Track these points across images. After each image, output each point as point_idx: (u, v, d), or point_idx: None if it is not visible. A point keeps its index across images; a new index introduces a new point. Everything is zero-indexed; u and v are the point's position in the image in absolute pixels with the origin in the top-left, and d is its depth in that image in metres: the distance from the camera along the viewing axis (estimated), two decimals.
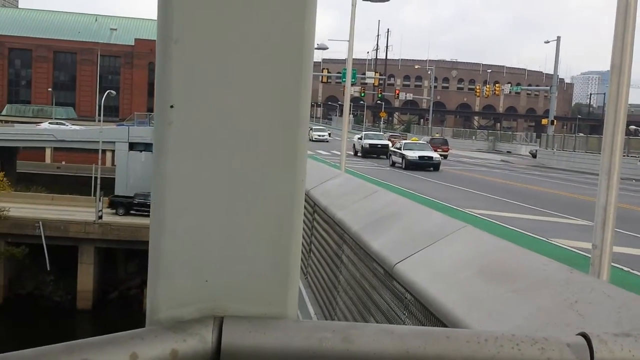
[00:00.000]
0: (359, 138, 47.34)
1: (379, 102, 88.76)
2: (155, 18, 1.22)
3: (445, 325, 3.34)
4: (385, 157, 40.18)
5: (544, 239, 13.59)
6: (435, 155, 34.97)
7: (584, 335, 1.15)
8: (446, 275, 3.65)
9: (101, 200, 41.02)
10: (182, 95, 1.17)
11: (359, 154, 44.41)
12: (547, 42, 54.42)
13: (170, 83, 1.17)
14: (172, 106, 1.17)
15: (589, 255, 9.28)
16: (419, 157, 33.61)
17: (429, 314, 3.73)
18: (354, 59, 21.65)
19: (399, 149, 36.38)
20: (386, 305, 5.01)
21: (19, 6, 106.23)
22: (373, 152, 43.85)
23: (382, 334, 1.18)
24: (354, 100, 77.99)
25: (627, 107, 6.92)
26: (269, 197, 1.21)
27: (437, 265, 3.96)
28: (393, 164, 35.89)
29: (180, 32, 1.16)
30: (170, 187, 1.18)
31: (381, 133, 61.45)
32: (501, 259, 3.48)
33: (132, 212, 43.00)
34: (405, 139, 51.19)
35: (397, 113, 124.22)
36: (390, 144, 43.75)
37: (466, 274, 3.44)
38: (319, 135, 63.02)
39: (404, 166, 33.63)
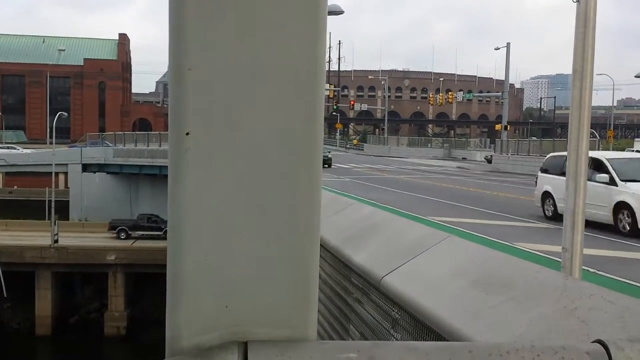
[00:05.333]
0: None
1: (334, 113, 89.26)
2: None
3: (442, 337, 3.36)
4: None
5: (508, 243, 13.76)
6: None
7: (601, 342, 1.17)
8: (438, 287, 3.66)
9: (56, 223, 40.06)
10: (198, 121, 1.16)
11: None
12: (497, 48, 55.58)
13: (186, 110, 1.16)
14: (187, 133, 1.16)
15: (555, 258, 9.46)
16: None
17: (422, 327, 3.74)
18: None
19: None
20: (372, 319, 5.01)
21: None
22: None
23: (406, 352, 1.18)
24: None
25: (590, 111, 7.09)
26: (287, 221, 1.21)
27: (426, 276, 3.97)
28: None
29: (194, 59, 1.15)
30: (187, 213, 1.18)
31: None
32: (492, 268, 3.51)
33: (135, 235, 42.36)
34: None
35: (352, 124, 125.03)
36: None
37: (459, 284, 3.45)
38: None
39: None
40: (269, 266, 1.21)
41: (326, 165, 40.70)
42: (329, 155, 44.48)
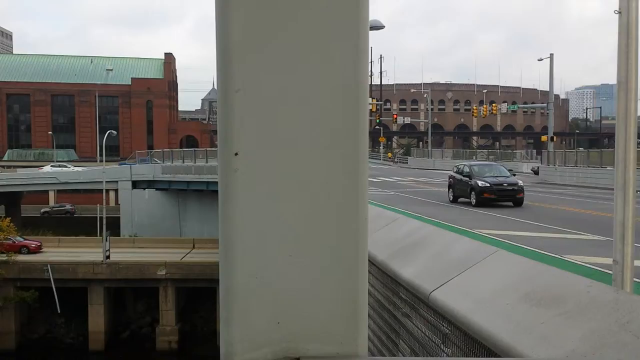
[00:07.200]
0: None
1: (377, 127, 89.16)
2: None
3: (493, 353, 3.39)
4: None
5: (558, 256, 13.52)
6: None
7: None
8: (488, 302, 3.69)
9: (107, 239, 40.94)
10: (246, 142, 1.20)
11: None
12: (541, 59, 54.74)
13: (233, 131, 1.20)
14: (236, 154, 1.20)
15: (606, 271, 9.28)
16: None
17: (472, 342, 3.77)
18: None
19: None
20: (420, 333, 5.04)
21: (14, 52, 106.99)
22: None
23: None
24: None
25: (636, 122, 7.02)
26: (335, 237, 1.24)
27: (476, 291, 4.00)
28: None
29: (242, 81, 1.19)
30: (237, 231, 1.21)
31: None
32: (543, 282, 3.52)
33: None
34: None
35: (395, 137, 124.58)
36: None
37: (509, 299, 3.48)
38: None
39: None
40: (319, 282, 1.24)
41: (510, 204, 23.32)
42: (520, 183, 24.30)
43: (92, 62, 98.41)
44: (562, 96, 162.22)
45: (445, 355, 4.33)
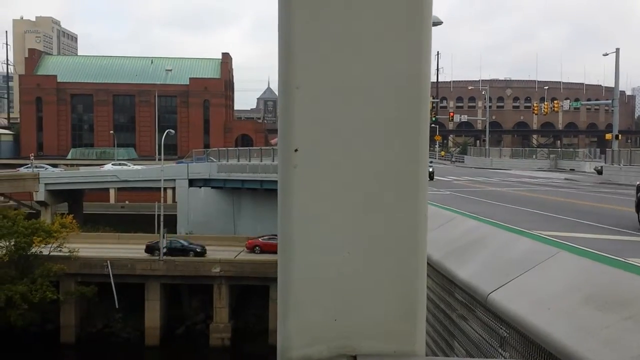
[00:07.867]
0: None
1: (433, 125, 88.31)
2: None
3: (554, 357, 3.22)
4: None
5: (621, 259, 13.01)
6: None
7: None
8: (549, 304, 3.51)
9: (164, 236, 41.78)
10: (306, 139, 1.20)
11: None
12: (606, 54, 53.28)
13: (294, 127, 1.20)
14: (296, 150, 1.19)
15: None
16: None
17: (532, 345, 3.61)
18: None
19: None
20: (478, 336, 4.89)
21: (78, 53, 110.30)
22: None
23: None
24: None
25: None
26: (394, 235, 1.22)
27: (537, 293, 3.83)
28: None
29: (302, 78, 1.19)
30: (297, 227, 1.21)
31: None
32: (607, 284, 3.33)
33: None
34: None
35: (452, 135, 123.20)
36: None
37: (571, 301, 3.31)
38: None
39: None
40: (377, 279, 1.22)
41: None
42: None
43: (152, 62, 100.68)
44: (628, 92, 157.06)
45: (502, 358, 4.16)
